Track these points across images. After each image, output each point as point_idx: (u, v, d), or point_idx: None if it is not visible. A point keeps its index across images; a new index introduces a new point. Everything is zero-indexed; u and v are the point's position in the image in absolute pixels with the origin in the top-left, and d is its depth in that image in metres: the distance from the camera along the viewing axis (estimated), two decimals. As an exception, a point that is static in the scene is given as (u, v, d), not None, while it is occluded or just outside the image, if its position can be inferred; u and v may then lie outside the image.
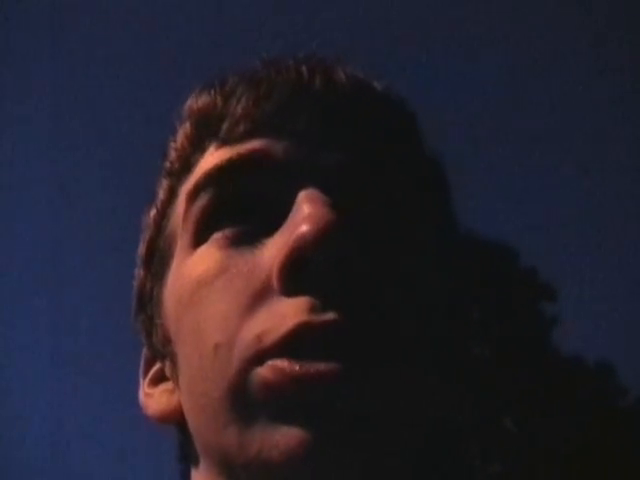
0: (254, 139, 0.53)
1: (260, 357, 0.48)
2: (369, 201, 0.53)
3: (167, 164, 0.58)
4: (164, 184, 0.58)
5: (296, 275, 0.48)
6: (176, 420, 0.55)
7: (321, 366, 0.46)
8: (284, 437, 0.47)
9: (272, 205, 0.52)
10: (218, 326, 0.50)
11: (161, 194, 0.58)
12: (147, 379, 0.58)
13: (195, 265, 0.53)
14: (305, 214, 0.49)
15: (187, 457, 0.56)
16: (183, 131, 0.57)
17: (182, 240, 0.55)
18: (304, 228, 0.48)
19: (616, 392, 6.68)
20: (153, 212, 0.58)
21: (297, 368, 0.47)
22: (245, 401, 0.48)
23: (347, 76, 0.56)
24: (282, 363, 0.47)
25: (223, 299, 0.50)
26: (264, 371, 0.48)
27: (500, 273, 6.49)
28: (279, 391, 0.47)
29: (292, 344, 0.47)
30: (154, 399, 0.57)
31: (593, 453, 6.11)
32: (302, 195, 0.50)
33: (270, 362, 0.48)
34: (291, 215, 0.50)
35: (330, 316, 0.47)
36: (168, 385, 0.56)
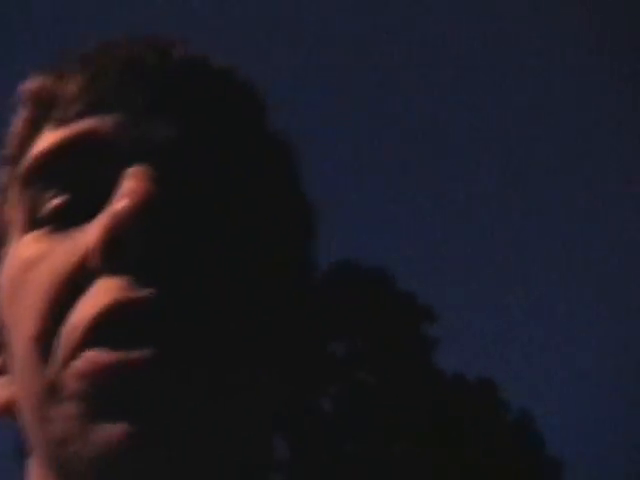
0: (85, 119, 0.52)
1: (76, 349, 0.46)
2: (201, 177, 0.51)
3: (6, 151, 0.57)
4: (5, 171, 0.57)
5: (113, 255, 0.46)
6: (11, 413, 0.53)
7: (133, 354, 0.44)
8: (103, 433, 0.45)
9: (101, 186, 0.50)
10: (36, 317, 0.48)
11: (2, 182, 0.57)
12: None
13: (20, 252, 0.51)
14: (124, 190, 0.48)
15: (24, 451, 0.54)
16: (20, 116, 0.56)
17: (15, 227, 0.53)
18: (120, 204, 0.47)
19: (499, 407, 6.81)
20: None
21: (108, 357, 0.45)
22: (62, 396, 0.46)
23: (183, 53, 0.55)
24: (94, 354, 0.45)
25: (41, 288, 0.48)
26: (78, 363, 0.46)
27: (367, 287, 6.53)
28: (93, 383, 0.45)
29: (103, 328, 0.45)
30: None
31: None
32: (126, 172, 0.49)
33: (83, 354, 0.46)
34: (118, 191, 0.49)
35: (143, 293, 0.45)
36: (7, 377, 0.54)
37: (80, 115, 0.52)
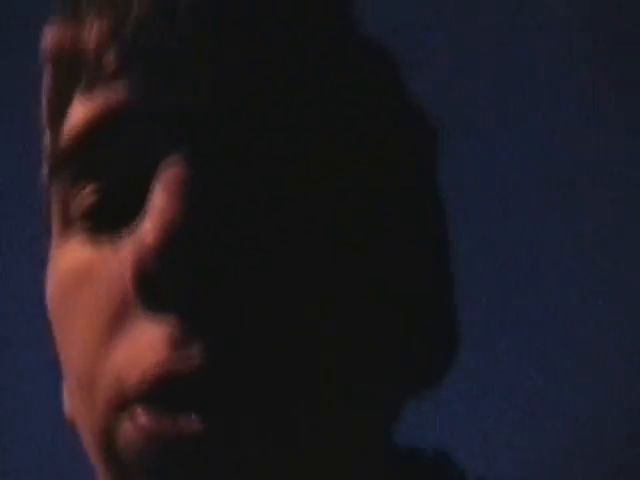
0: (114, 81, 0.41)
1: (122, 403, 0.40)
2: (274, 145, 0.40)
3: (41, 124, 0.47)
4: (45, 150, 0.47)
5: (146, 295, 0.38)
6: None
7: (183, 423, 0.38)
8: None
9: (136, 177, 0.41)
10: (78, 357, 0.42)
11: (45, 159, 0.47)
12: None
13: (60, 262, 0.44)
14: (151, 208, 0.38)
15: None
16: (47, 78, 0.46)
17: (54, 223, 0.45)
18: (144, 232, 0.38)
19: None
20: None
21: (157, 425, 0.38)
22: (113, 453, 0.41)
23: None
24: (142, 418, 0.39)
25: (83, 318, 0.41)
26: (126, 424, 0.39)
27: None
28: (141, 450, 0.39)
29: (153, 392, 0.39)
30: (66, 399, 0.48)
31: None
32: (160, 174, 0.39)
33: (131, 411, 0.39)
34: (148, 204, 0.39)
35: (194, 362, 0.37)
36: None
37: (108, 77, 0.42)
